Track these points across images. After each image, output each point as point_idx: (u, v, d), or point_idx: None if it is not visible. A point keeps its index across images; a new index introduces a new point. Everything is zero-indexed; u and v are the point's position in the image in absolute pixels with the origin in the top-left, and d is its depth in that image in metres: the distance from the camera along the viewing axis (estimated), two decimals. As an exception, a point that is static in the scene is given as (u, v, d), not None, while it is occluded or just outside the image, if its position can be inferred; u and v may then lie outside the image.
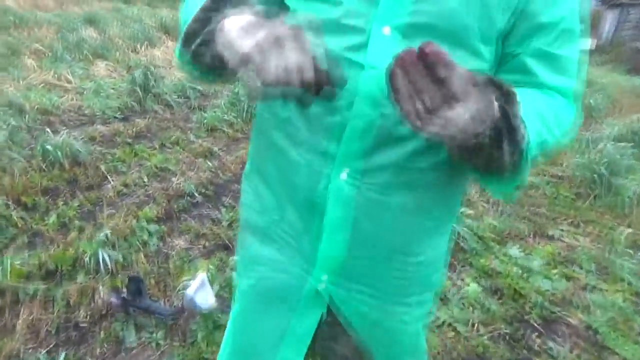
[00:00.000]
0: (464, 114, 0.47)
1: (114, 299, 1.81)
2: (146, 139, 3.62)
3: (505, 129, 0.54)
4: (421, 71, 0.47)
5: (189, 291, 1.78)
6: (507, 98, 0.52)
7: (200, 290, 1.82)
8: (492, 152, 0.56)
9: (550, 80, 0.70)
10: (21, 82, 4.50)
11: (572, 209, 3.15)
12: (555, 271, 2.39)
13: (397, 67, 0.47)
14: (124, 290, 1.87)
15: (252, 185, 0.89)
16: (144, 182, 2.92)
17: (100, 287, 1.89)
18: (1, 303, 1.78)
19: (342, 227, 0.76)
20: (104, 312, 1.82)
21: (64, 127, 3.58)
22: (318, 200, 0.75)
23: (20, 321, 1.72)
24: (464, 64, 0.63)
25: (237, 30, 0.54)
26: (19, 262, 1.96)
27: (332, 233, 0.77)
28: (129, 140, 3.54)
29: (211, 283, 1.95)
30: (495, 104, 0.51)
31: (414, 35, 0.65)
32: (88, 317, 1.79)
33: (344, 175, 0.72)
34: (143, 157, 3.28)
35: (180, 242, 2.35)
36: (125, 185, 2.84)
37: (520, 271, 2.34)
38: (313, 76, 0.52)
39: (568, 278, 2.35)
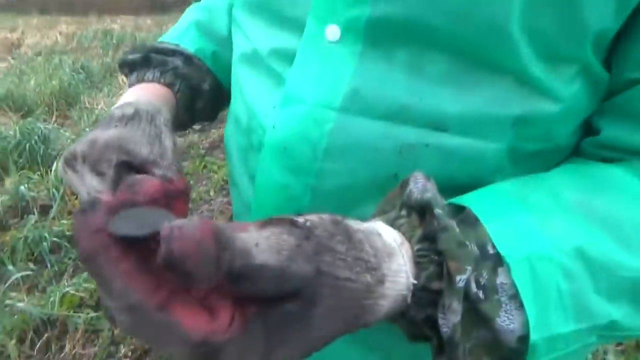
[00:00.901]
0: None
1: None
2: (218, 150, 3.55)
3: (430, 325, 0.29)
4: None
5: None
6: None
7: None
8: None
9: None
10: (112, 98, 4.73)
11: None
12: None
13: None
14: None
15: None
16: (210, 196, 2.81)
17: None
18: (49, 335, 1.71)
19: None
20: (147, 347, 1.68)
21: (143, 141, 3.64)
22: None
23: (62, 355, 1.64)
24: (495, 108, 0.33)
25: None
26: (73, 289, 1.90)
27: None
28: (202, 152, 3.50)
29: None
30: (405, 288, 0.28)
31: (386, 43, 0.34)
32: (130, 353, 1.66)
33: None
34: (212, 169, 3.20)
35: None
36: (192, 201, 2.75)
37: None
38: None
39: None
